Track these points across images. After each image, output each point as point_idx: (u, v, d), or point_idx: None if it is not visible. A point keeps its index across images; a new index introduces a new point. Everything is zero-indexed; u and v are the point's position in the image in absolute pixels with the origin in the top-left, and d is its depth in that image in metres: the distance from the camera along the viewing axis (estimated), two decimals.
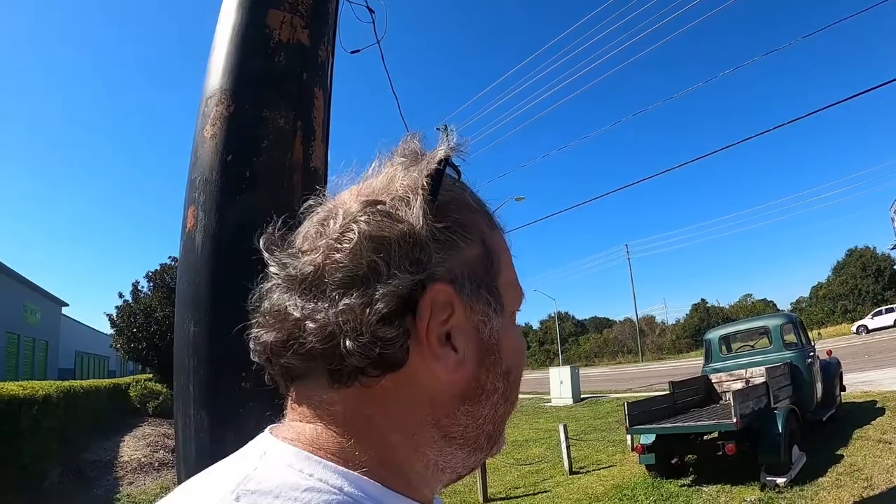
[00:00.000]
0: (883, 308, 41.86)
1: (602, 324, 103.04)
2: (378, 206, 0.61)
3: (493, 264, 0.67)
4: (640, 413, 8.74)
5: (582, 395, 23.58)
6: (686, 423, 8.17)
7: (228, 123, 2.32)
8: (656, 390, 11.46)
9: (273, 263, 0.63)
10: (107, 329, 25.11)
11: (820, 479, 7.21)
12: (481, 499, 9.06)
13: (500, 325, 0.67)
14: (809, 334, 11.25)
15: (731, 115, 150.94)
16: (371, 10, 4.22)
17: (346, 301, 0.57)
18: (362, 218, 0.60)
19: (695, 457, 8.97)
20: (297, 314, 0.59)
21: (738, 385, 9.43)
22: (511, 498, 9.17)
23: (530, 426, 18.40)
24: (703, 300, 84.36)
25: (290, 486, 0.53)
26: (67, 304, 43.40)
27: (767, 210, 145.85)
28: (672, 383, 10.02)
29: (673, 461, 8.77)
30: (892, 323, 38.15)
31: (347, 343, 0.56)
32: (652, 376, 28.30)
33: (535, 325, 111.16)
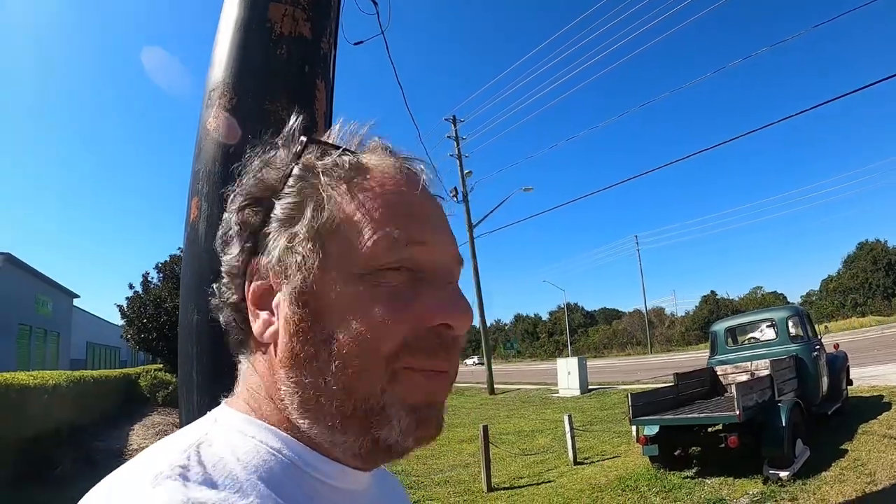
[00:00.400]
0: None
1: (611, 315, 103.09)
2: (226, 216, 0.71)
3: (320, 223, 0.63)
4: (644, 404, 8.74)
5: (589, 387, 23.59)
6: (689, 415, 8.17)
7: (230, 115, 2.37)
8: (664, 382, 11.47)
9: None
10: (118, 320, 25.30)
11: (823, 474, 7.19)
12: (485, 488, 9.10)
13: (323, 279, 0.62)
14: (816, 327, 11.22)
15: (740, 107, 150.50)
16: (374, 2, 4.24)
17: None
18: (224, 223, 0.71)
19: (698, 449, 8.98)
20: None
21: (744, 377, 9.42)
22: (515, 488, 9.20)
23: (537, 416, 18.44)
24: (712, 292, 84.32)
25: (235, 446, 0.60)
26: (79, 296, 43.70)
27: (778, 202, 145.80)
28: (677, 375, 10.01)
29: (676, 453, 8.75)
30: None
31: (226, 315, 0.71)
32: (660, 368, 28.27)
33: (545, 317, 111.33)
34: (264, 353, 0.67)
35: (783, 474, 7.08)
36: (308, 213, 0.64)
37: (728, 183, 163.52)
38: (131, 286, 23.91)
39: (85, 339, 47.72)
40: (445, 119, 34.62)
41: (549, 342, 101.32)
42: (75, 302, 43.55)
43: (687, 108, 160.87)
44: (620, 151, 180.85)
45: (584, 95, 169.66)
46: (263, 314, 0.66)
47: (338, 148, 0.68)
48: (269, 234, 0.66)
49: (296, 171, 0.66)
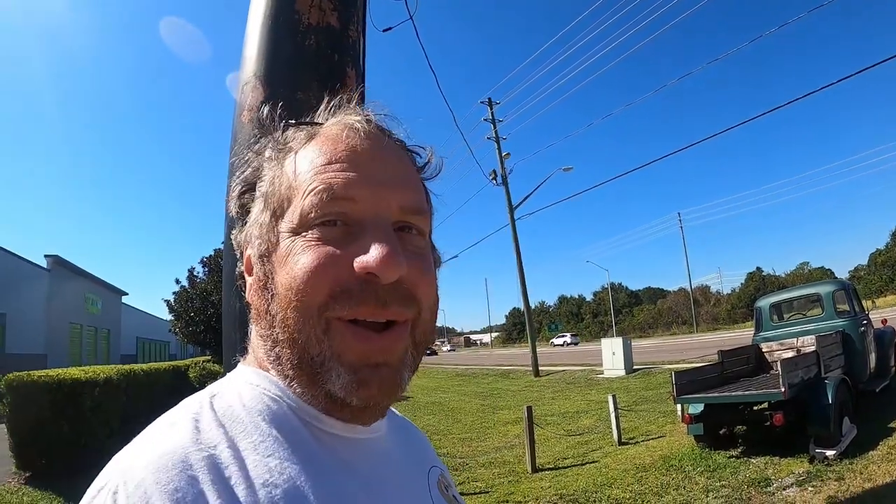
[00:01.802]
0: None
1: (656, 294, 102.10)
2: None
3: (273, 191, 0.73)
4: (689, 382, 8.66)
5: (634, 367, 23.40)
6: (734, 393, 8.07)
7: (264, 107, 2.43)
8: (709, 361, 11.36)
9: None
10: (166, 315, 25.96)
11: (871, 453, 7.02)
12: (529, 469, 9.17)
13: (271, 242, 0.71)
14: (864, 303, 10.96)
15: (776, 78, 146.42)
16: None
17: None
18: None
19: (743, 428, 8.88)
20: None
21: (789, 354, 9.26)
22: (559, 468, 9.24)
23: (582, 397, 18.39)
24: (758, 269, 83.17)
25: (242, 394, 0.69)
26: (127, 293, 45.16)
27: (824, 174, 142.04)
28: (721, 352, 9.89)
29: (721, 432, 8.68)
30: None
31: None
32: (706, 347, 27.91)
33: (589, 297, 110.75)
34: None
35: (829, 453, 6.95)
36: (265, 186, 0.74)
37: (772, 156, 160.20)
38: (178, 281, 24.55)
39: (135, 334, 49.19)
40: (481, 102, 34.42)
41: (593, 323, 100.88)
42: (124, 299, 44.82)
43: (728, 79, 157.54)
44: (660, 127, 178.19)
45: (620, 71, 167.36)
46: (249, 279, 0.75)
47: (307, 124, 0.76)
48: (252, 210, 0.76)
49: (268, 153, 0.76)
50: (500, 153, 33.10)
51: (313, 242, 0.66)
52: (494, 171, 32.30)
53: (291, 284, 0.65)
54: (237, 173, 0.80)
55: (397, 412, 0.92)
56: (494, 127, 33.71)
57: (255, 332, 0.75)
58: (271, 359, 0.69)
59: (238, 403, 0.67)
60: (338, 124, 0.74)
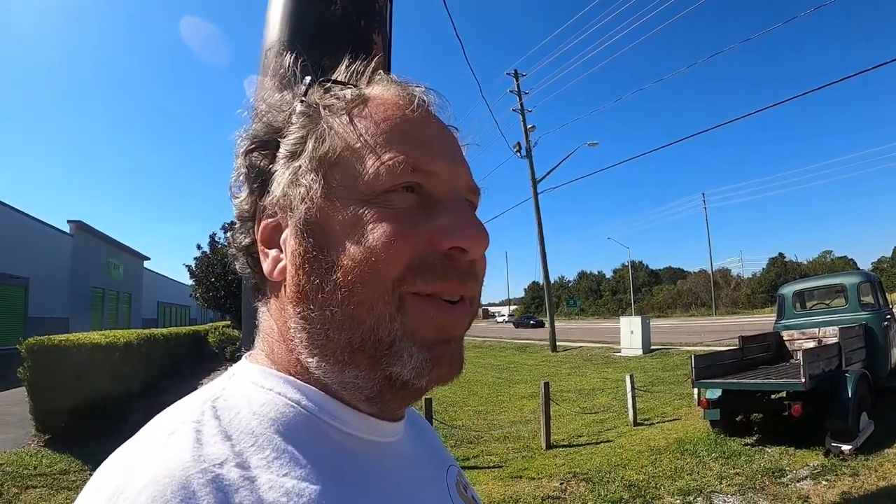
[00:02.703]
0: None
1: (676, 275, 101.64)
2: (241, 150, 0.70)
3: (323, 150, 0.64)
4: (707, 366, 8.66)
5: (652, 347, 23.44)
6: (753, 380, 8.03)
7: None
8: (728, 345, 11.31)
9: None
10: (187, 280, 26.27)
11: (887, 451, 6.98)
12: (544, 445, 9.25)
13: (326, 208, 0.61)
14: (888, 296, 10.82)
15: (810, 59, 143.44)
16: None
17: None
18: (236, 167, 0.71)
19: (760, 416, 8.89)
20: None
21: (811, 344, 9.21)
22: (573, 446, 9.32)
23: (598, 375, 18.49)
24: (780, 254, 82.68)
25: (251, 399, 0.60)
26: (149, 258, 45.59)
27: (852, 161, 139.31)
28: (742, 338, 9.81)
29: (738, 418, 8.68)
30: None
31: (237, 266, 0.71)
32: (725, 331, 27.78)
33: (609, 274, 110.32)
34: (276, 295, 0.66)
35: (845, 448, 6.93)
36: (310, 145, 0.64)
37: (800, 140, 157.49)
38: (199, 247, 24.86)
39: (156, 299, 49.77)
40: (507, 73, 34.28)
41: (612, 300, 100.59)
42: (145, 264, 45.35)
43: (759, 60, 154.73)
44: (688, 105, 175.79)
45: (650, 47, 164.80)
46: (272, 252, 0.66)
47: (341, 83, 0.68)
48: (275, 172, 0.66)
49: (299, 108, 0.67)
50: (524, 125, 32.98)
51: (389, 212, 0.60)
52: (519, 144, 32.22)
53: (364, 256, 0.58)
54: (243, 128, 0.70)
55: None
56: (520, 98, 33.53)
57: (287, 316, 0.63)
58: (316, 343, 0.61)
59: (247, 410, 0.58)
60: (397, 91, 0.68)
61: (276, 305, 0.66)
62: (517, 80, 33.84)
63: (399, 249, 0.59)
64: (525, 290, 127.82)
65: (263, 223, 0.67)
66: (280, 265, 0.65)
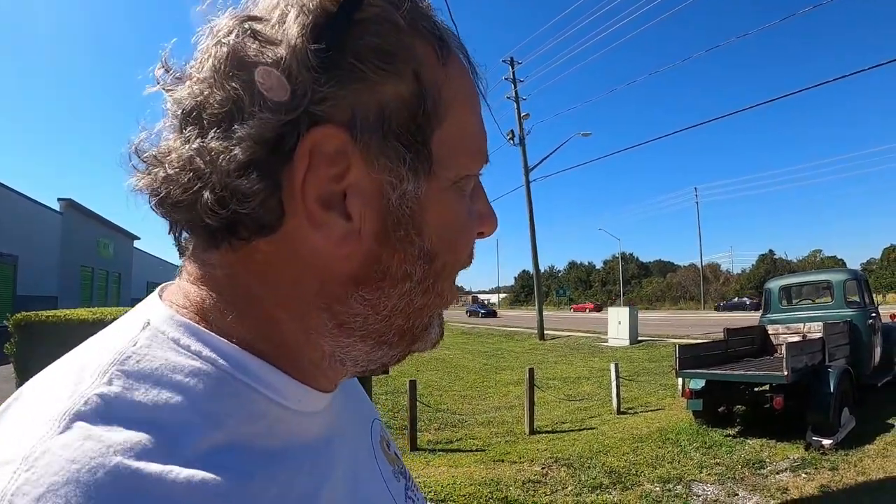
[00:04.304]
0: None
1: (666, 268, 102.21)
2: (248, 24, 0.47)
3: (427, 108, 0.50)
4: (692, 357, 8.70)
5: (639, 338, 23.58)
6: (737, 372, 8.11)
7: None
8: (714, 339, 11.40)
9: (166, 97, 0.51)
10: (176, 260, 26.43)
11: (867, 446, 7.04)
12: (527, 430, 9.31)
13: (426, 190, 0.51)
14: (874, 296, 10.88)
15: (809, 57, 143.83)
16: None
17: (200, 142, 0.47)
18: (228, 38, 0.47)
19: (743, 408, 8.96)
20: (164, 154, 0.50)
21: (795, 339, 9.22)
22: (557, 432, 9.38)
23: (585, 364, 18.60)
24: (770, 251, 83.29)
25: (173, 368, 0.46)
26: (139, 238, 45.50)
27: (845, 162, 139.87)
28: (727, 330, 9.90)
29: (720, 409, 8.77)
30: None
31: (205, 194, 0.46)
32: (713, 325, 27.91)
33: (599, 265, 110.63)
34: (262, 260, 0.50)
35: (826, 442, 6.98)
36: (377, 98, 0.48)
37: (794, 138, 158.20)
38: None
39: (146, 279, 49.93)
40: (503, 61, 34.15)
41: (601, 291, 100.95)
42: (136, 244, 45.26)
43: (754, 55, 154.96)
44: (683, 98, 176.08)
45: (645, 39, 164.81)
46: (338, 219, 0.49)
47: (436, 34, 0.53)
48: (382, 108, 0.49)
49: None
50: (518, 113, 32.98)
51: (464, 198, 0.56)
52: (512, 131, 32.18)
53: (456, 245, 0.56)
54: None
55: None
56: (515, 87, 33.51)
57: (336, 295, 0.51)
58: (360, 326, 0.52)
59: (169, 380, 0.45)
60: (455, 51, 0.55)
61: (253, 272, 0.50)
62: (513, 69, 33.77)
63: (471, 238, 0.58)
64: (515, 278, 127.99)
65: (317, 176, 0.47)
66: (349, 241, 0.49)
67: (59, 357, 0.50)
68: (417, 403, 8.68)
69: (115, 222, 39.34)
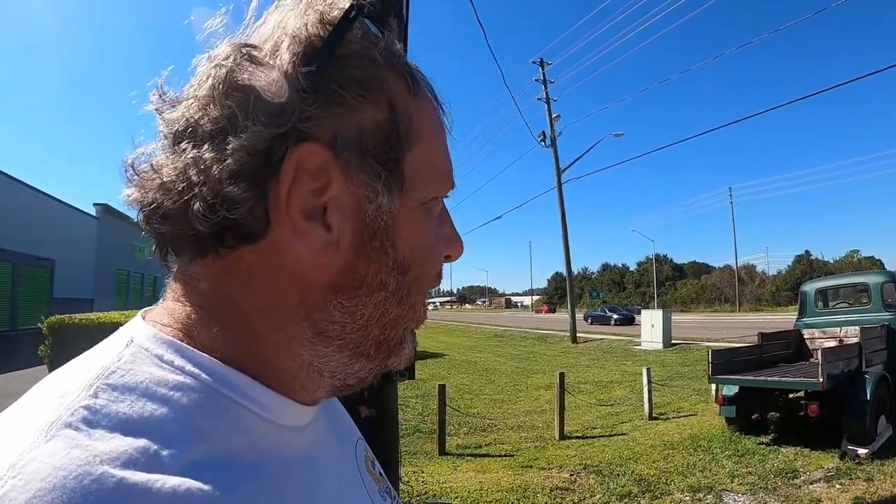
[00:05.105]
0: None
1: (700, 269, 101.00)
2: (245, 50, 0.52)
3: (400, 132, 0.55)
4: (725, 362, 8.59)
5: (673, 341, 23.32)
6: (770, 378, 7.98)
7: None
8: (748, 343, 11.22)
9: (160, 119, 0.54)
10: None
11: None
12: (557, 436, 9.25)
13: (399, 207, 0.55)
14: None
15: (841, 52, 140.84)
16: None
17: (195, 153, 0.50)
18: (226, 62, 0.51)
19: (777, 415, 8.77)
20: (157, 169, 0.52)
21: (831, 343, 9.05)
22: (587, 437, 9.31)
23: (617, 368, 18.46)
24: (807, 252, 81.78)
25: (157, 381, 0.47)
26: None
27: (882, 160, 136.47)
28: (761, 334, 9.71)
29: (754, 416, 8.61)
30: None
31: (197, 202, 0.49)
32: (748, 328, 27.51)
33: (632, 267, 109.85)
34: (246, 269, 0.53)
35: (861, 451, 6.82)
36: (352, 121, 0.53)
37: (830, 135, 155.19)
38: None
39: None
40: (533, 62, 34.17)
41: (635, 293, 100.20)
42: None
43: (786, 51, 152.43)
44: (716, 96, 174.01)
45: (677, 37, 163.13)
46: (319, 230, 0.52)
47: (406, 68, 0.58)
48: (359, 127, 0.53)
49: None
50: (549, 114, 32.90)
51: (432, 218, 0.61)
52: (543, 133, 32.11)
53: (425, 262, 0.60)
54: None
55: None
56: (545, 88, 33.45)
57: (317, 302, 0.54)
58: (337, 336, 0.55)
59: (153, 393, 0.47)
60: (425, 87, 0.60)
61: (238, 281, 0.53)
62: (543, 69, 33.69)
63: (439, 258, 0.62)
64: (548, 280, 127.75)
65: (301, 188, 0.51)
66: (330, 250, 0.53)
67: None
68: (447, 408, 8.69)
69: None
